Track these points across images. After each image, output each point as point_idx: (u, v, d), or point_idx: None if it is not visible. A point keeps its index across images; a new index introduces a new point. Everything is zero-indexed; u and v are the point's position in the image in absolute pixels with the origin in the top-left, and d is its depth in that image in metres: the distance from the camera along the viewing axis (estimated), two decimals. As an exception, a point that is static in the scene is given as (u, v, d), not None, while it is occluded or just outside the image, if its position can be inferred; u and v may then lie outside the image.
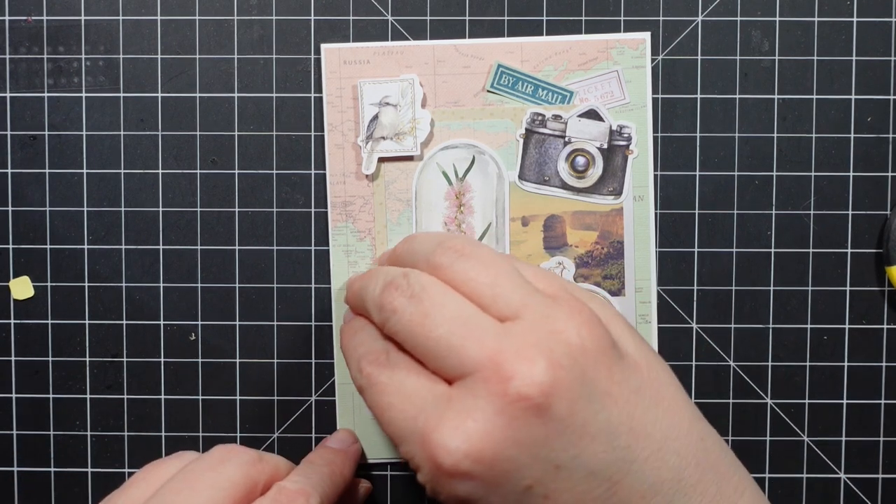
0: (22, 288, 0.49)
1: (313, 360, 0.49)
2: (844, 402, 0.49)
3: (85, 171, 0.49)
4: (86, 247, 0.49)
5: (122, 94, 0.49)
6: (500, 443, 0.32)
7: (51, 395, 0.49)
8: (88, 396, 0.49)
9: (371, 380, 0.36)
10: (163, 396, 0.49)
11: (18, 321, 0.49)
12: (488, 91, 0.48)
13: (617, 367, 0.34)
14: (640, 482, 0.33)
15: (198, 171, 0.49)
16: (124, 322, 0.49)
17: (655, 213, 0.48)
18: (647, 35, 0.48)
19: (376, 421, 0.40)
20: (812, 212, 0.48)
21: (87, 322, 0.49)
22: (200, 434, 0.49)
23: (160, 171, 0.49)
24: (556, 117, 0.48)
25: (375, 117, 0.47)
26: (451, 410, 0.33)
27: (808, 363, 0.49)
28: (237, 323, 0.49)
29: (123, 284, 0.49)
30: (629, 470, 0.33)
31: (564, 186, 0.48)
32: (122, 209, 0.49)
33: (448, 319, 0.34)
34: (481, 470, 0.32)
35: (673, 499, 0.33)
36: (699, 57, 0.48)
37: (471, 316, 0.34)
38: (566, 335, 0.33)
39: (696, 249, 0.49)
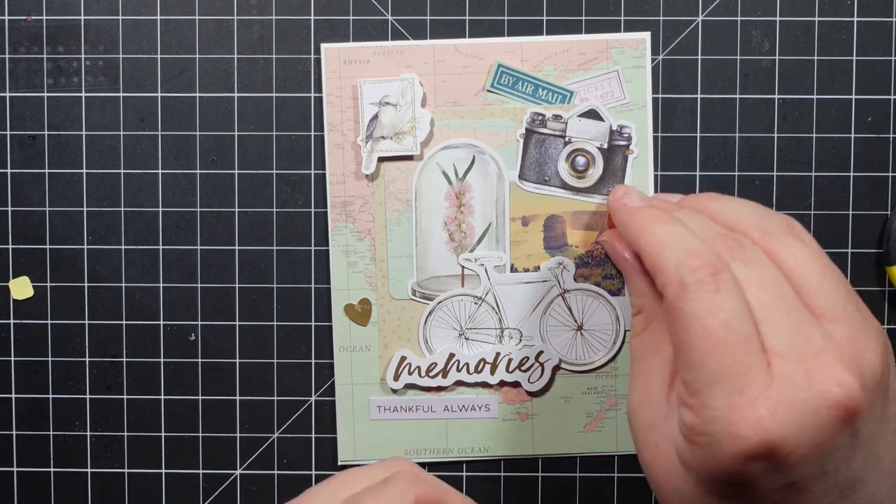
0: (22, 288, 0.49)
1: (313, 360, 0.49)
2: (844, 402, 0.49)
3: (84, 170, 0.49)
4: (85, 247, 0.49)
5: (121, 94, 0.49)
6: (805, 440, 0.32)
7: (50, 396, 0.49)
8: (88, 396, 0.49)
9: (702, 287, 0.33)
10: (162, 396, 0.49)
11: (18, 321, 0.49)
12: (488, 91, 0.48)
13: (887, 397, 0.34)
14: (867, 500, 0.34)
15: (197, 171, 0.49)
16: (124, 322, 0.49)
17: (655, 213, 0.48)
18: (647, 35, 0.48)
19: (674, 320, 0.34)
20: (812, 212, 0.48)
21: (86, 322, 0.49)
22: (200, 434, 0.49)
23: (160, 171, 0.49)
24: (557, 117, 0.48)
25: (375, 117, 0.47)
26: (772, 389, 0.32)
27: (808, 363, 0.49)
28: (237, 323, 0.49)
29: (123, 284, 0.49)
30: (861, 488, 0.33)
31: (564, 186, 0.48)
32: (122, 209, 0.49)
33: (775, 299, 0.33)
34: (773, 459, 0.32)
35: None
36: (699, 57, 0.48)
37: (798, 306, 0.34)
38: (873, 358, 0.33)
39: (696, 249, 0.48)
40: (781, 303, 0.34)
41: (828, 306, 0.34)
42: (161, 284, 0.49)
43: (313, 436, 0.49)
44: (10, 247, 0.49)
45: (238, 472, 0.50)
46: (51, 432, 0.50)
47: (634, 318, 0.39)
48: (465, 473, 0.49)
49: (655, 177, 0.48)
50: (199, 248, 0.49)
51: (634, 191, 0.43)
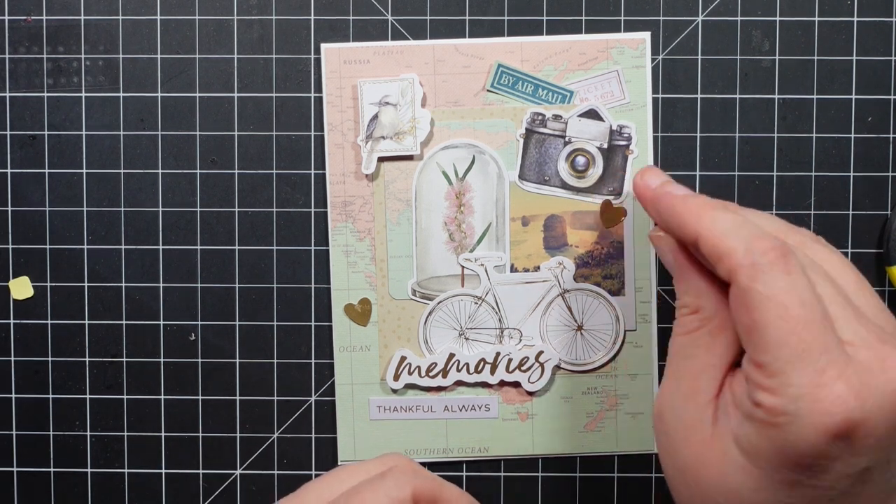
0: (22, 288, 0.49)
1: (313, 360, 0.49)
2: (844, 402, 0.49)
3: (84, 171, 0.49)
4: (85, 247, 0.49)
5: (121, 94, 0.49)
6: (883, 422, 0.32)
7: (50, 395, 0.49)
8: (88, 396, 0.49)
9: (775, 268, 0.33)
10: (162, 396, 0.49)
11: (18, 321, 0.49)
12: (488, 91, 0.48)
13: None
14: None
15: (197, 171, 0.49)
16: (124, 322, 0.49)
17: (655, 213, 0.48)
18: (647, 35, 0.48)
19: (745, 304, 0.34)
20: (812, 212, 0.48)
21: (86, 322, 0.49)
22: (200, 434, 0.49)
23: (160, 171, 0.49)
24: (557, 117, 0.48)
25: (375, 117, 0.47)
26: (851, 369, 0.32)
27: (808, 363, 0.49)
28: (237, 323, 0.49)
29: (123, 284, 0.49)
30: None
31: (564, 186, 0.48)
32: (122, 209, 0.49)
33: (832, 293, 0.34)
34: (853, 438, 0.32)
35: None
36: (699, 57, 0.48)
37: (847, 300, 0.35)
38: None
39: (696, 249, 0.48)
40: (839, 297, 0.34)
41: (868, 306, 0.35)
42: (161, 284, 0.49)
43: (313, 436, 0.49)
44: (10, 247, 0.49)
45: (238, 472, 0.50)
46: (51, 432, 0.50)
47: (686, 317, 0.39)
48: (465, 473, 0.49)
49: (655, 177, 0.48)
50: (199, 248, 0.49)
51: (663, 174, 0.43)
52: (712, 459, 0.35)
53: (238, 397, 0.49)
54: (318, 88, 0.48)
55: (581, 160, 0.48)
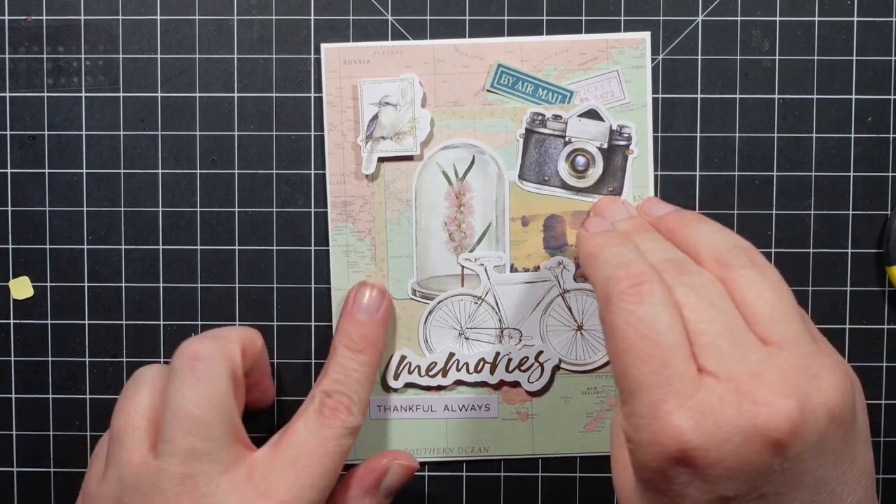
0: (21, 288, 0.49)
1: (313, 360, 0.49)
2: (844, 401, 0.49)
3: (84, 170, 0.49)
4: (85, 247, 0.49)
5: (121, 94, 0.49)
6: (729, 455, 0.32)
7: (50, 396, 0.49)
8: (88, 396, 0.49)
9: (624, 299, 0.34)
10: (163, 396, 0.49)
11: (18, 321, 0.49)
12: (488, 91, 0.48)
13: (849, 432, 0.34)
14: None
15: (197, 171, 0.49)
16: (124, 322, 0.49)
17: (655, 213, 0.48)
18: (647, 35, 0.48)
19: (604, 333, 0.35)
20: (812, 212, 0.48)
21: (86, 322, 0.49)
22: (200, 434, 0.49)
23: (160, 170, 0.49)
24: (556, 117, 0.48)
25: (375, 117, 0.47)
26: (695, 400, 0.32)
27: (808, 363, 0.49)
28: (237, 323, 0.49)
29: (123, 284, 0.49)
30: None
31: (564, 186, 0.48)
32: (122, 209, 0.49)
33: (712, 320, 0.34)
34: (694, 466, 0.32)
35: None
36: (699, 57, 0.48)
37: (739, 328, 0.34)
38: (824, 386, 0.33)
39: (696, 249, 0.48)
40: (718, 324, 0.34)
41: (778, 335, 0.34)
42: (161, 284, 0.49)
43: (313, 436, 0.49)
44: (10, 247, 0.49)
45: (238, 472, 0.50)
46: (51, 432, 0.50)
47: None
48: (465, 473, 0.49)
49: (655, 177, 0.48)
50: (199, 248, 0.49)
51: (615, 206, 0.44)
52: (625, 478, 0.36)
53: (238, 397, 0.49)
54: (318, 88, 0.48)
55: (581, 160, 0.48)
